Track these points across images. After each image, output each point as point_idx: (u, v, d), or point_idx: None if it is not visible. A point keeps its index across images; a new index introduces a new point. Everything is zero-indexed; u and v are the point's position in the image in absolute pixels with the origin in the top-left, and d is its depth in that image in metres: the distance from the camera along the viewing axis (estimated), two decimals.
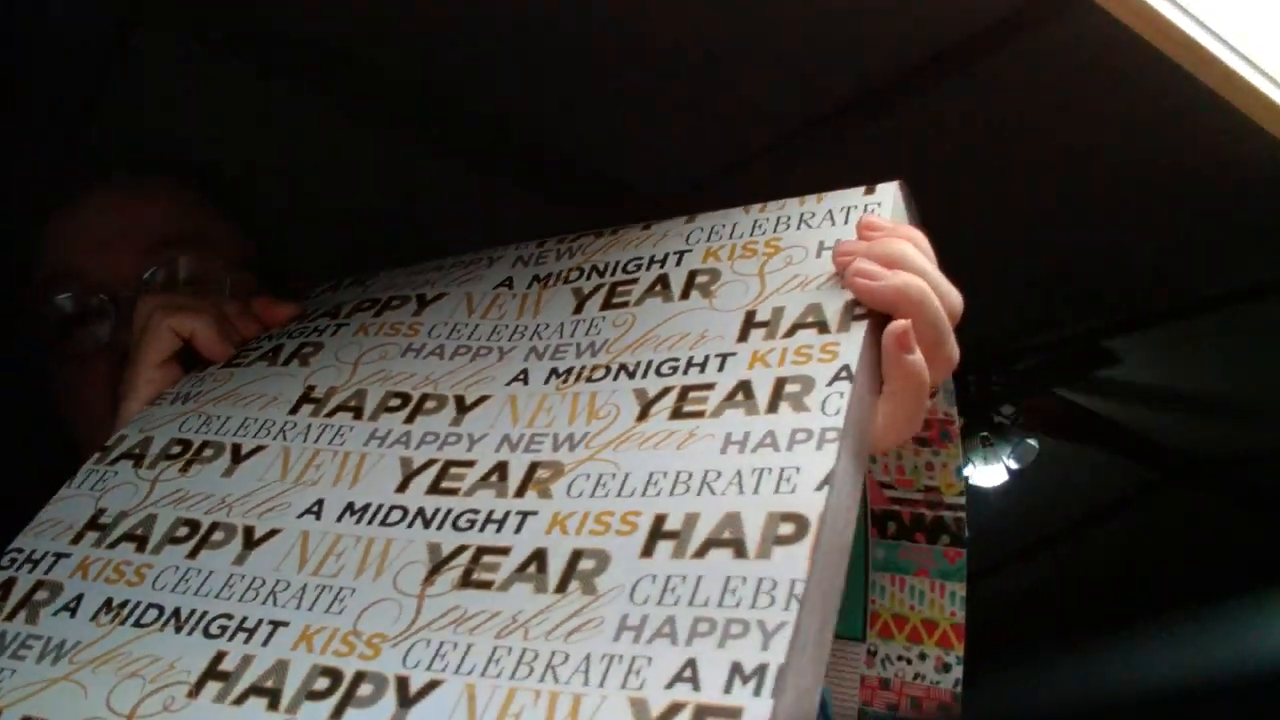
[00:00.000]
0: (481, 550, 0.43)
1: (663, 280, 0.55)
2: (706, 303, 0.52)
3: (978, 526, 3.63)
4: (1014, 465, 2.99)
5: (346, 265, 0.96)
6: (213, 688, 0.41)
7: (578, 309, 0.57)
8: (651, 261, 0.57)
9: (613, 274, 0.58)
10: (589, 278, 0.58)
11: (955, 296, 0.48)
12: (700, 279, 0.54)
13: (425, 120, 1.96)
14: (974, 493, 3.14)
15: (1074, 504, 3.72)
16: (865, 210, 0.57)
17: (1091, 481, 3.54)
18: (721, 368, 0.47)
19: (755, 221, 0.58)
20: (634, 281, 0.56)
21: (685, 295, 0.53)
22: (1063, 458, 3.29)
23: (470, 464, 0.48)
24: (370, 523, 0.47)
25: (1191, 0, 0.90)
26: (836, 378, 0.43)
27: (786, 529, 0.37)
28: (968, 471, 3.01)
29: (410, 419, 0.53)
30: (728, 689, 0.32)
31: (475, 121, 1.97)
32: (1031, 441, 2.95)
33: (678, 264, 0.56)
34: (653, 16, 1.79)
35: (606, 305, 0.56)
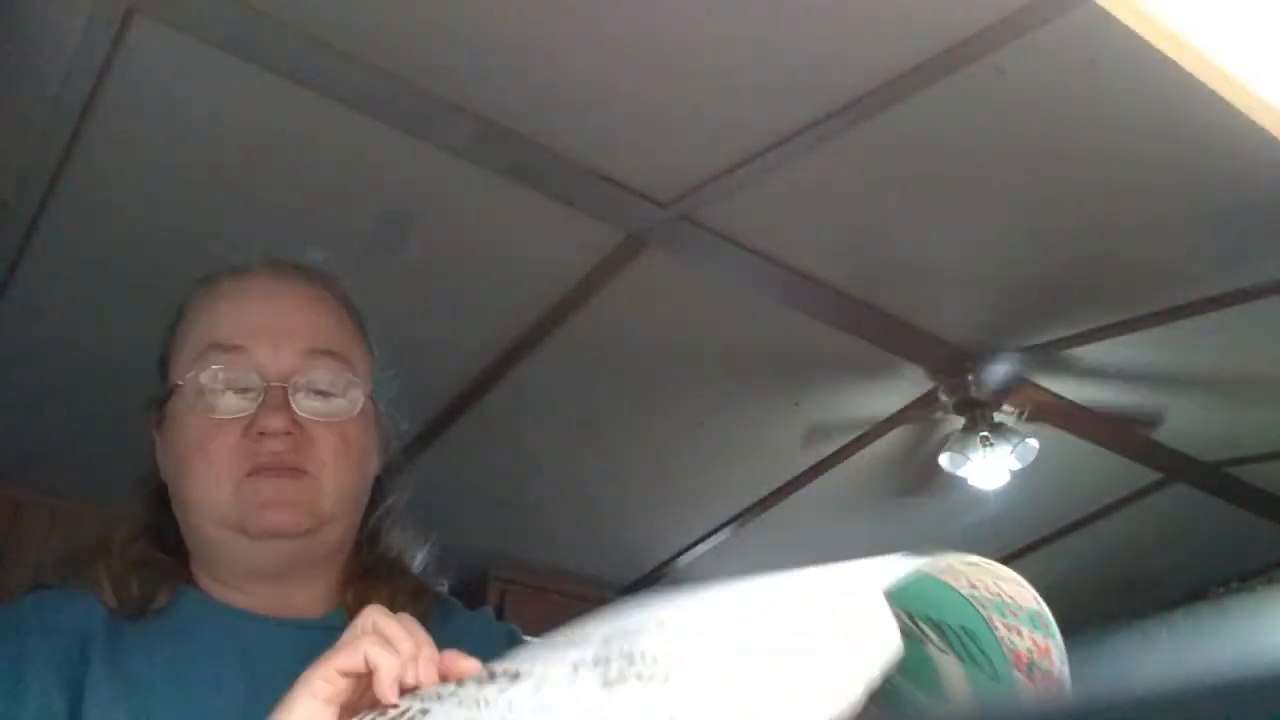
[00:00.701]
0: None
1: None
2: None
3: (978, 526, 3.62)
4: (1014, 465, 2.99)
5: (346, 262, 0.96)
6: None
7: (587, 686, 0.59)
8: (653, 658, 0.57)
9: (628, 661, 0.57)
10: (612, 661, 0.59)
11: None
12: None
13: (425, 119, 1.97)
14: (974, 493, 3.15)
15: (1074, 504, 3.72)
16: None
17: (1091, 481, 3.54)
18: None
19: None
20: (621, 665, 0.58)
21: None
22: (1063, 458, 3.29)
23: None
24: None
25: (1192, 1, 0.91)
26: None
27: None
28: (965, 471, 3.01)
29: None
30: None
31: (476, 121, 1.98)
32: (1032, 441, 2.95)
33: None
34: (653, 18, 1.79)
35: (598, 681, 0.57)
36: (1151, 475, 3.52)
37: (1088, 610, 4.19)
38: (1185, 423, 3.15)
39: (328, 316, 0.87)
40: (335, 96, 1.89)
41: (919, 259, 2.41)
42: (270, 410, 0.79)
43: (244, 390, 0.80)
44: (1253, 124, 1.04)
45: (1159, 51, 0.97)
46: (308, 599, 0.82)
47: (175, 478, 0.82)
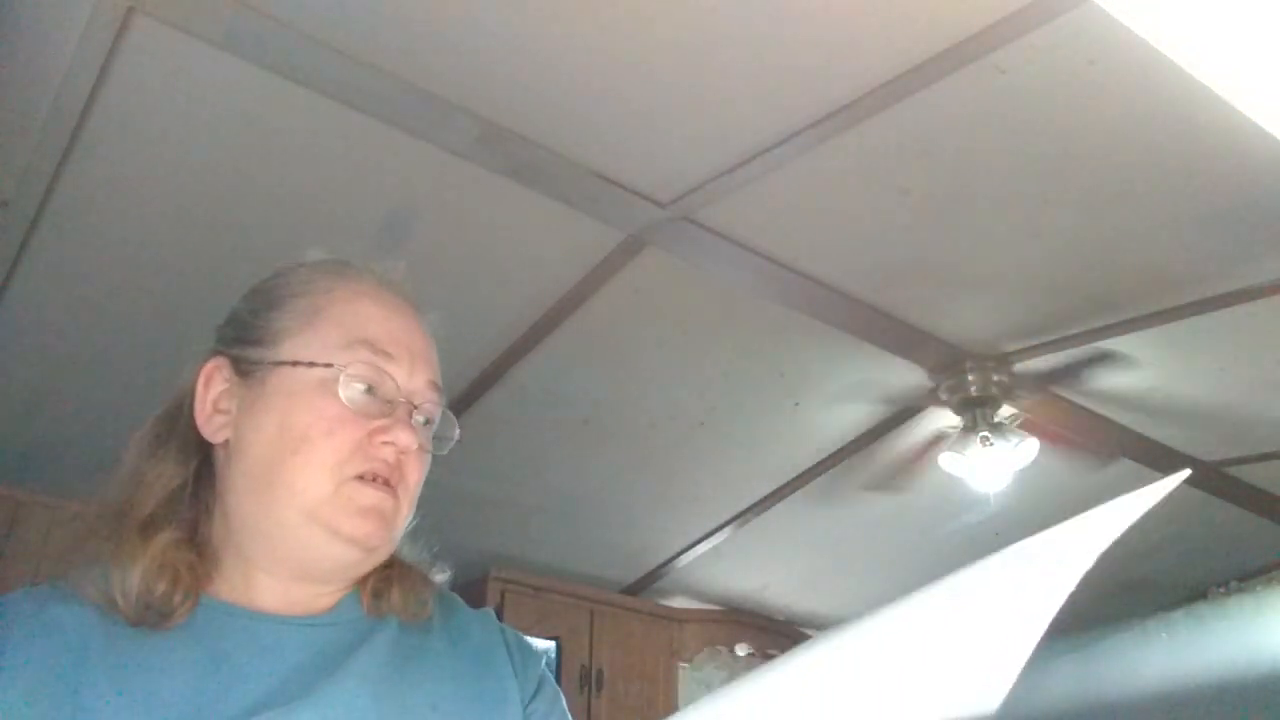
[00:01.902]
0: None
1: None
2: None
3: (978, 526, 3.61)
4: (1014, 465, 2.99)
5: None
6: None
7: None
8: None
9: None
10: None
11: None
12: None
13: (426, 119, 1.96)
14: (974, 493, 3.15)
15: (1074, 504, 3.70)
16: None
17: (1091, 481, 3.54)
18: None
19: None
20: None
21: None
22: (1063, 458, 3.29)
23: None
24: None
25: (1191, 2, 0.91)
26: None
27: None
28: (965, 471, 3.01)
29: None
30: None
31: (477, 122, 1.98)
32: (1032, 441, 2.95)
33: None
34: (653, 19, 1.79)
35: None
36: (1152, 475, 3.52)
37: (1088, 610, 4.19)
38: (1185, 423, 3.15)
39: (436, 352, 0.90)
40: (335, 96, 1.89)
41: (919, 259, 2.41)
42: (405, 425, 0.80)
43: (385, 397, 0.81)
44: (1253, 124, 1.04)
45: (1159, 51, 0.97)
46: (330, 601, 0.82)
47: (275, 448, 0.79)
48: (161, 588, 0.75)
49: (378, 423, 0.80)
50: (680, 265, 2.39)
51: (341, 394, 0.80)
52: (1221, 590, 4.20)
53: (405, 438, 0.80)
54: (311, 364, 0.81)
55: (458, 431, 0.87)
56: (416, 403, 0.83)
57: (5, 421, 2.67)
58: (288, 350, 0.82)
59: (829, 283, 2.47)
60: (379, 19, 1.76)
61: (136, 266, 2.25)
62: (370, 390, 0.81)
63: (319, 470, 0.78)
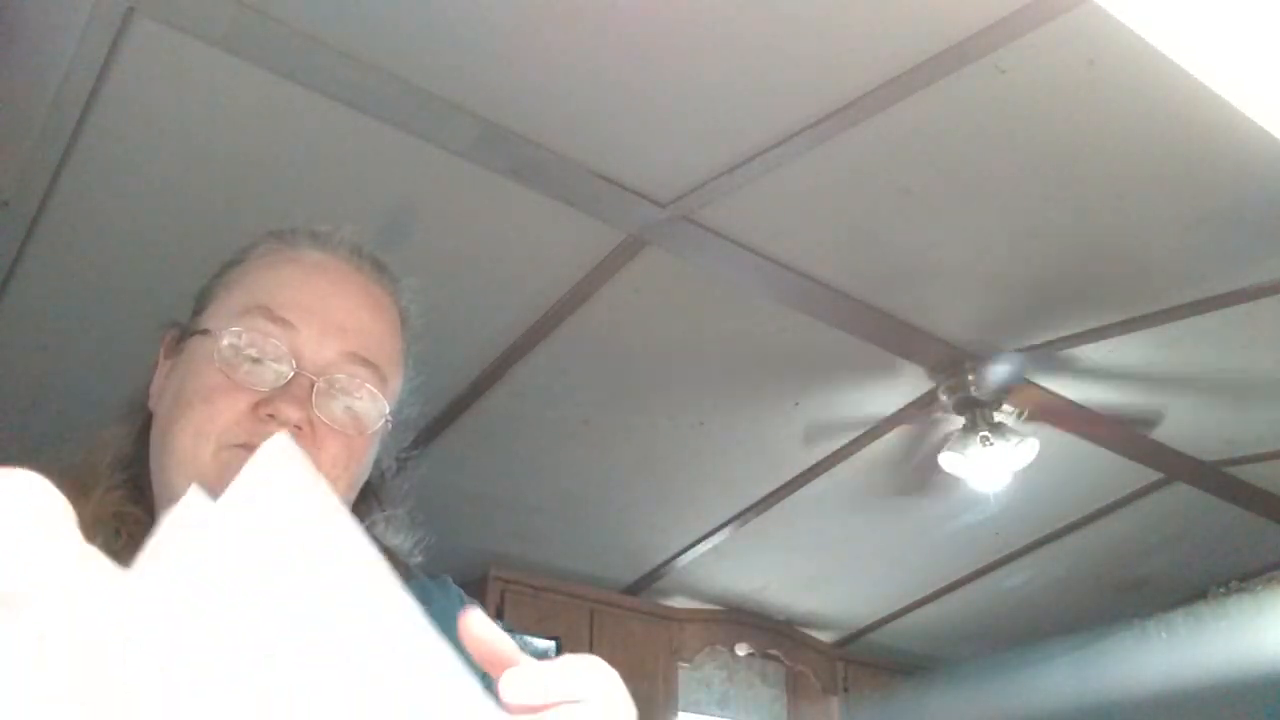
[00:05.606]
0: None
1: None
2: None
3: (978, 526, 3.60)
4: (1014, 465, 2.99)
5: None
6: None
7: None
8: None
9: None
10: None
11: None
12: None
13: (426, 119, 1.97)
14: (974, 493, 3.15)
15: (1074, 504, 3.72)
16: None
17: (1091, 481, 3.54)
18: None
19: None
20: None
21: None
22: (1063, 458, 3.29)
23: None
24: None
25: (1191, 2, 0.91)
26: None
27: None
28: (965, 471, 3.00)
29: None
30: None
31: (477, 121, 1.98)
32: (1032, 441, 2.95)
33: None
34: (653, 19, 1.79)
35: None
36: (1151, 475, 3.52)
37: (1088, 610, 4.19)
38: (1185, 423, 3.15)
39: (384, 325, 0.85)
40: (335, 96, 1.89)
41: (919, 259, 2.41)
42: (290, 399, 0.75)
43: (273, 366, 0.77)
44: (1253, 124, 1.04)
45: (1159, 51, 0.97)
46: None
47: (168, 414, 0.78)
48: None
49: (265, 394, 0.76)
50: (680, 265, 2.39)
51: (219, 361, 0.76)
52: (1221, 590, 4.20)
53: (287, 411, 0.75)
54: (206, 331, 0.79)
55: (385, 408, 0.81)
56: (322, 376, 0.77)
57: (5, 421, 2.67)
58: (204, 318, 0.81)
59: (829, 283, 2.47)
60: (379, 19, 1.76)
61: (136, 266, 2.25)
62: (263, 360, 0.77)
63: (196, 437, 0.75)
